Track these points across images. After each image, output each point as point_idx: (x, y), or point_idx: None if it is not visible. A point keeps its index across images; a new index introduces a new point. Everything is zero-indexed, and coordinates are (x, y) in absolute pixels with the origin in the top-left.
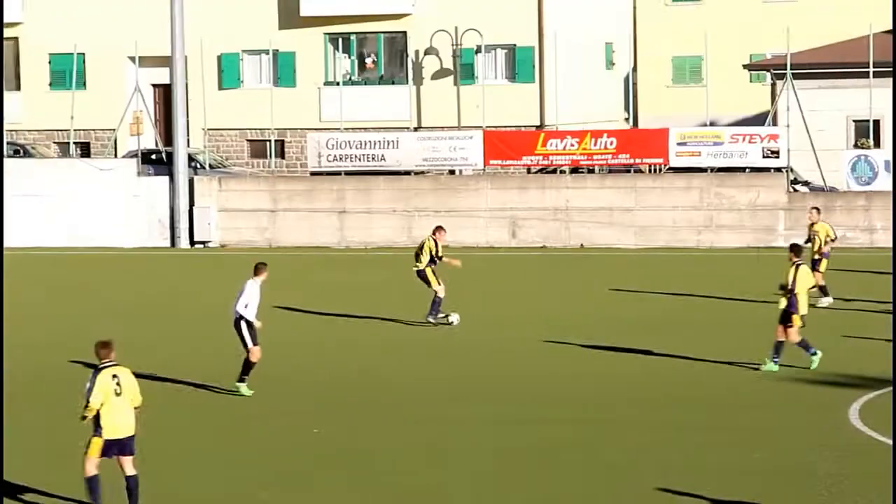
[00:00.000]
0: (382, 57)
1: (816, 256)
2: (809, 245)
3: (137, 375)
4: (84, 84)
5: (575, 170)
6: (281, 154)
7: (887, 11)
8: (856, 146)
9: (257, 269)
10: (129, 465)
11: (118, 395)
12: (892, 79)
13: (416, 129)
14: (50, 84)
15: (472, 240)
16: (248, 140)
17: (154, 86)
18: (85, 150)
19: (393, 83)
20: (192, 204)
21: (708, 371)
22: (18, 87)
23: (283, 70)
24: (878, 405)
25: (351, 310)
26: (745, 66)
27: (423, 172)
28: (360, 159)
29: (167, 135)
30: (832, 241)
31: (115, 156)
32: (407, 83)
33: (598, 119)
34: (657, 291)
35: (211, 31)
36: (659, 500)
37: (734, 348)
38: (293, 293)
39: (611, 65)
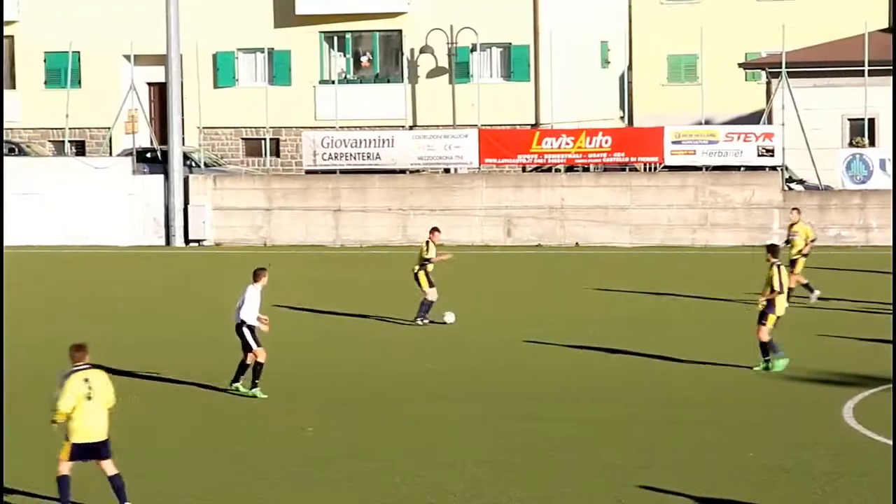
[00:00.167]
0: (378, 55)
1: (795, 257)
2: (788, 245)
3: (134, 375)
4: (79, 82)
5: (570, 168)
6: (276, 152)
7: (883, 10)
8: (851, 145)
9: (256, 275)
10: (108, 467)
11: (89, 398)
12: (887, 77)
13: (411, 128)
14: (45, 82)
15: (468, 238)
16: (243, 138)
17: (149, 84)
18: (80, 149)
19: (388, 82)
20: (187, 202)
21: (702, 370)
22: (14, 86)
23: (279, 68)
24: (873, 404)
25: (346, 308)
26: (740, 65)
27: (418, 171)
28: (355, 158)
29: (162, 133)
30: (812, 241)
31: (111, 154)
32: (402, 82)
33: (594, 117)
34: (652, 290)
35: (206, 30)
36: (655, 499)
37: (728, 347)
38: (288, 292)
39: (606, 63)
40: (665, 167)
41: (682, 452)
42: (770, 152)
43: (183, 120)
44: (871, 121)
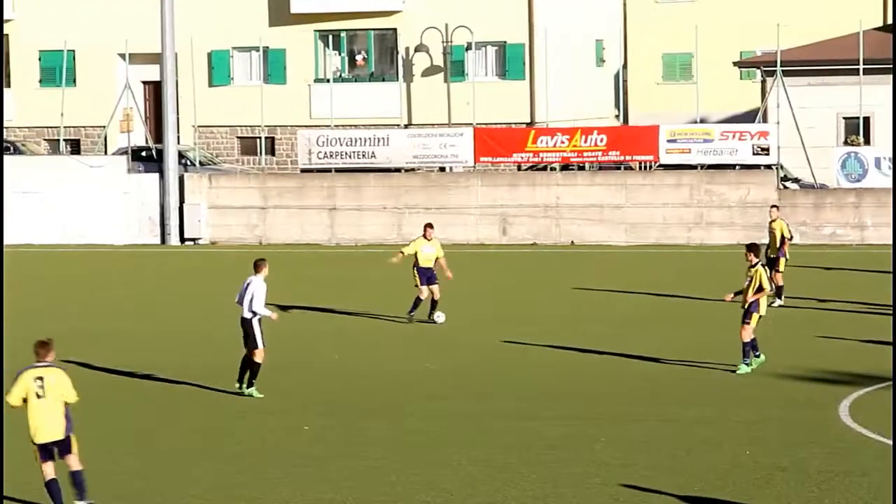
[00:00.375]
0: (373, 54)
1: (772, 255)
2: (767, 244)
3: (130, 374)
4: (74, 81)
5: (565, 167)
6: (271, 151)
7: (877, 9)
8: (846, 143)
9: (258, 266)
10: (71, 461)
11: (40, 397)
12: (882, 75)
13: (406, 127)
14: (40, 81)
15: (463, 237)
16: (238, 137)
17: (144, 83)
18: (75, 148)
19: (383, 80)
20: (182, 201)
21: (698, 368)
22: (8, 84)
23: (274, 67)
24: (868, 402)
25: (341, 306)
26: (735, 64)
27: (413, 169)
28: (350, 156)
29: (157, 132)
30: (789, 240)
31: (106, 153)
32: (397, 80)
33: (589, 116)
34: (647, 288)
35: (201, 28)
36: (651, 498)
37: (724, 346)
38: (284, 290)
39: (601, 62)
40: (660, 166)
41: (677, 451)
42: (765, 151)
43: (178, 118)
44: (867, 119)
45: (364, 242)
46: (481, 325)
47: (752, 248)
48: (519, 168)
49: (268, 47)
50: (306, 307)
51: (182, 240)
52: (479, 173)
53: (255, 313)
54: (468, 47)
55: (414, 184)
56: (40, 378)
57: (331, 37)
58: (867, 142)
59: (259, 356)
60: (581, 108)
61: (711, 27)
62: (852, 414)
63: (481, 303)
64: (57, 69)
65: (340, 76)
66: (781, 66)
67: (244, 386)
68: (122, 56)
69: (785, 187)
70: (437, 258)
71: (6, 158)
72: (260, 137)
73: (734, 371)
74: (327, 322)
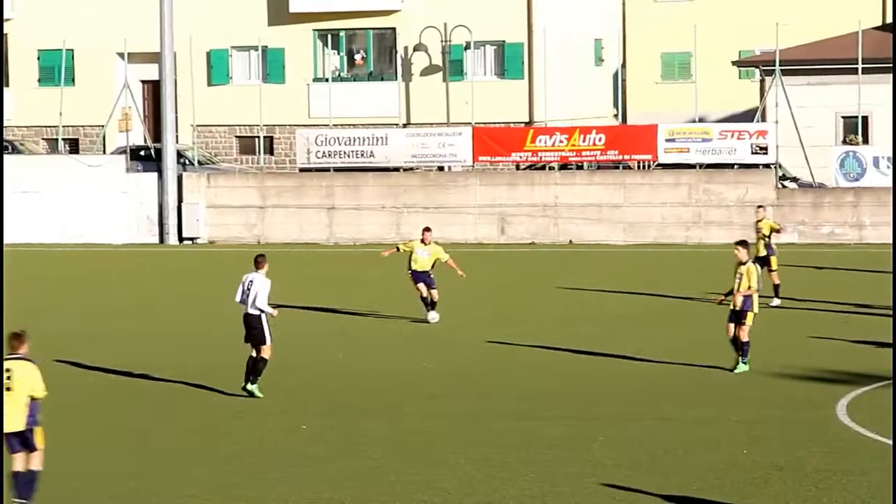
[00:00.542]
0: (371, 53)
1: (762, 254)
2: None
3: (128, 373)
4: (73, 80)
5: (564, 166)
6: (270, 150)
7: (876, 8)
8: (844, 142)
9: (259, 263)
10: (32, 460)
11: (8, 389)
12: (881, 75)
13: (405, 126)
14: (39, 80)
15: (461, 236)
16: (236, 136)
17: (143, 82)
18: (74, 147)
19: (382, 80)
20: (180, 200)
21: (696, 367)
22: (7, 84)
23: (272, 66)
24: (865, 401)
25: (340, 306)
26: (734, 63)
27: (411, 169)
28: (349, 156)
29: (156, 131)
30: (777, 231)
31: (104, 152)
32: (396, 80)
33: (587, 115)
34: (645, 288)
35: (200, 28)
36: (648, 498)
37: (722, 345)
38: (282, 290)
39: (600, 61)
40: (659, 165)
41: (675, 450)
42: (764, 150)
43: (176, 118)
44: (865, 118)
45: (363, 242)
46: (480, 325)
47: (743, 244)
48: (517, 167)
49: (266, 47)
50: (305, 307)
51: (180, 239)
52: (478, 172)
53: (261, 310)
54: (467, 47)
55: (412, 183)
56: (9, 370)
57: (329, 36)
58: (866, 141)
59: (267, 352)
60: (580, 107)
61: (710, 26)
62: (850, 413)
63: (480, 302)
64: (56, 68)
65: (339, 75)
66: (780, 66)
67: (248, 383)
68: (121, 55)
69: (783, 186)
70: (444, 260)
71: (5, 158)
72: (258, 137)
73: (732, 370)
74: (326, 322)
